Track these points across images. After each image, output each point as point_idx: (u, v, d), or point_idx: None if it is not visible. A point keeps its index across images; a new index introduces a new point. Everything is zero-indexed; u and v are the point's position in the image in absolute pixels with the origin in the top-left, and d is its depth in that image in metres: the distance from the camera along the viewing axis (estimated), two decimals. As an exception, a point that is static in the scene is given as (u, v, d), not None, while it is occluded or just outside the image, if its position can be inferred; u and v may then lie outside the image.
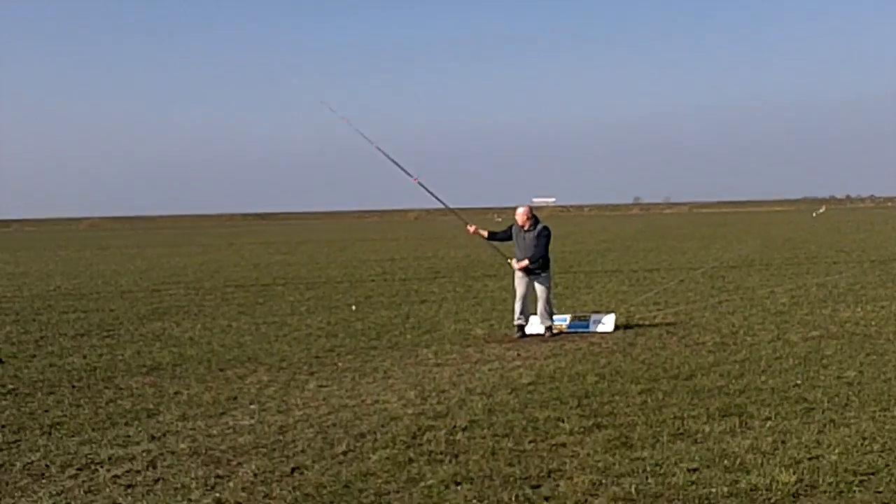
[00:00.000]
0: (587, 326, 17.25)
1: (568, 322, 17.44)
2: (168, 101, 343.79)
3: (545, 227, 17.05)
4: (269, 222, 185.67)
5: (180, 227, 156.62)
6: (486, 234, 17.27)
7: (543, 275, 17.00)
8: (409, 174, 17.30)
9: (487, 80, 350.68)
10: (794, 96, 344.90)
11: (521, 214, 17.08)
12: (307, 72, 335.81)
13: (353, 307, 21.96)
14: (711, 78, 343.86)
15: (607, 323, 17.23)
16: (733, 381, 12.03)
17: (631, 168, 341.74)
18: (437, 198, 17.85)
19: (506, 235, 17.21)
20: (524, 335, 16.75)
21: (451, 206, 18.30)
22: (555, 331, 16.97)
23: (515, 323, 16.89)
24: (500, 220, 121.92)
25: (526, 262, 16.85)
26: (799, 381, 11.89)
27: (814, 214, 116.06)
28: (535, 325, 17.16)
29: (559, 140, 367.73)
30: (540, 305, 16.91)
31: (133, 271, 37.77)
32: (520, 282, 16.99)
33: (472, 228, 17.39)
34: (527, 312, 16.93)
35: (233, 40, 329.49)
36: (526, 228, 16.99)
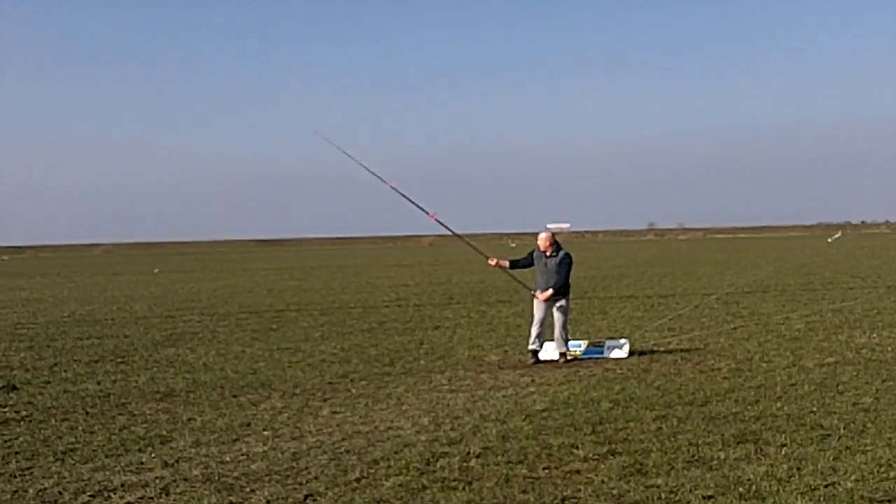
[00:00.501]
0: (602, 352, 17.22)
1: (583, 348, 17.41)
2: (182, 126, 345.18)
3: (567, 255, 17.03)
4: (284, 248, 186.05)
5: (194, 252, 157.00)
6: (507, 263, 17.23)
7: (562, 300, 16.97)
8: (425, 211, 17.36)
9: (498, 102, 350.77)
10: (810, 119, 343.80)
11: (543, 240, 17.04)
12: (320, 95, 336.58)
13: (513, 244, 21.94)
14: (726, 100, 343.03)
15: (622, 349, 17.20)
16: (748, 407, 11.98)
17: (645, 193, 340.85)
18: (454, 233, 17.93)
19: (527, 262, 17.16)
20: (538, 361, 16.71)
21: (470, 242, 18.36)
22: (569, 357, 16.94)
23: (530, 348, 16.86)
24: (514, 245, 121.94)
25: (550, 291, 16.81)
26: (814, 408, 11.83)
27: (829, 240, 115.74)
28: (549, 351, 17.12)
29: (573, 164, 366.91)
30: (556, 331, 16.88)
31: (147, 297, 37.86)
32: (538, 306, 16.97)
33: (493, 262, 17.29)
34: (542, 338, 16.90)
35: (247, 63, 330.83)
36: (548, 255, 16.96)
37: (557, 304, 16.93)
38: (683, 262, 61.16)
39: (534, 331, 16.83)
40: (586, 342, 17.81)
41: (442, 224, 17.49)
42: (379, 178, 17.51)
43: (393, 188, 17.39)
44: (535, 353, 16.81)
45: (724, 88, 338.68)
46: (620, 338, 18.47)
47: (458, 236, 17.79)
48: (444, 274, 51.25)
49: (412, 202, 17.27)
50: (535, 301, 17.01)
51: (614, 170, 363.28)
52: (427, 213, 17.33)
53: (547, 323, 16.96)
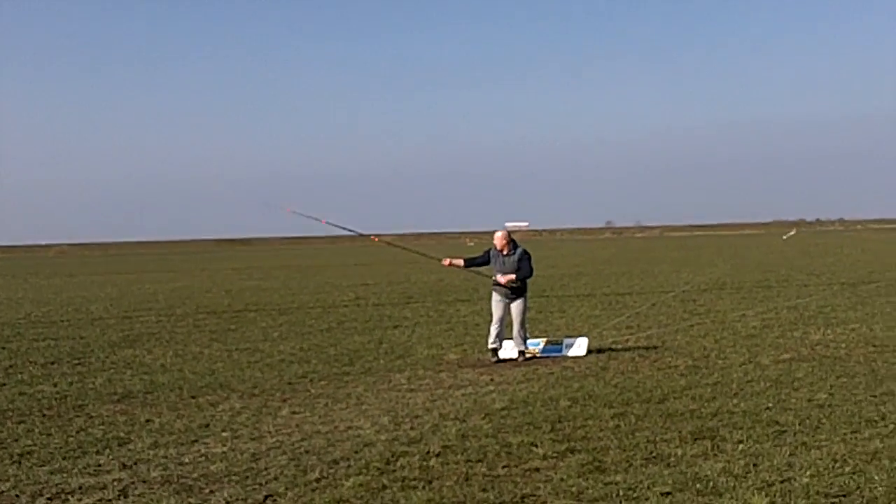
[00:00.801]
0: (560, 350, 17.28)
1: (541, 346, 17.46)
2: (136, 122, 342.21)
3: (525, 251, 17.05)
4: (243, 247, 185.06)
5: (151, 252, 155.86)
6: (461, 262, 17.24)
7: (520, 298, 17.02)
8: (365, 235, 18.19)
9: (454, 100, 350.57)
10: (762, 118, 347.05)
11: (499, 238, 17.05)
12: (282, 89, 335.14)
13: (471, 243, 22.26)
14: (680, 100, 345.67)
15: (580, 347, 17.26)
16: (705, 404, 12.07)
17: (603, 191, 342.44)
18: (405, 248, 18.35)
19: (483, 260, 17.16)
20: (499, 360, 16.75)
21: (414, 249, 18.72)
22: (528, 355, 16.99)
23: (490, 347, 16.89)
24: (472, 244, 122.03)
25: (513, 276, 16.82)
26: (770, 404, 11.95)
27: (783, 237, 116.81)
28: (508, 350, 17.17)
29: (531, 162, 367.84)
30: (515, 329, 16.92)
31: (104, 298, 37.55)
32: (497, 305, 16.99)
33: (446, 262, 17.35)
34: (502, 336, 16.93)
35: (207, 60, 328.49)
36: (505, 253, 16.98)
37: (516, 302, 16.98)
38: (640, 260, 61.51)
39: (493, 329, 16.86)
40: (545, 340, 17.87)
41: (389, 244, 18.27)
42: (313, 217, 18.41)
43: (329, 223, 18.29)
44: (496, 351, 16.84)
45: (680, 87, 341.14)
46: (578, 336, 18.55)
47: (404, 248, 18.29)
48: (403, 273, 51.21)
49: (349, 230, 18.14)
50: (494, 300, 17.04)
51: (572, 168, 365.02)
52: (369, 237, 18.16)
53: (506, 321, 17.00)
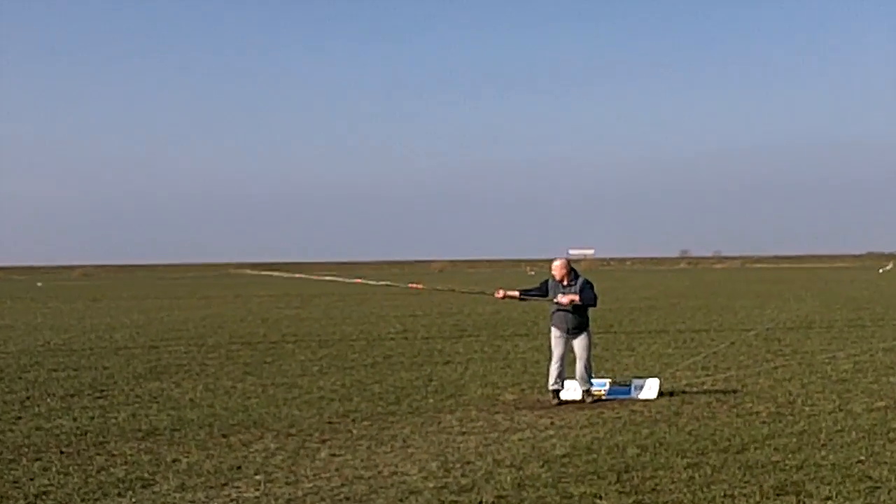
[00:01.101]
0: (628, 393, 17.19)
1: (607, 387, 17.38)
2: (169, 139, 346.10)
3: (587, 281, 17.01)
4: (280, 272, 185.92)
5: (182, 276, 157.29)
6: (517, 293, 17.23)
7: (584, 334, 16.96)
8: (407, 286, 18.29)
9: (514, 111, 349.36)
10: (860, 138, 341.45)
11: (557, 268, 17.00)
12: (313, 108, 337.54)
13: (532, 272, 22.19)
14: (766, 116, 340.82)
15: (650, 389, 17.17)
16: (790, 455, 11.94)
17: (678, 217, 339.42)
18: (453, 290, 18.34)
19: (541, 293, 17.11)
20: (561, 402, 16.69)
21: (467, 290, 18.58)
22: (594, 396, 16.92)
23: (551, 388, 16.84)
24: (532, 273, 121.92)
25: (577, 297, 16.74)
26: (862, 457, 11.80)
27: (880, 271, 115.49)
28: (571, 391, 17.11)
29: (598, 183, 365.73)
30: (579, 367, 16.86)
31: (129, 325, 37.92)
32: (557, 342, 16.95)
33: (500, 294, 17.36)
34: (563, 376, 16.88)
35: (233, 76, 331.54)
36: (565, 284, 16.93)
37: (579, 338, 16.92)
38: (719, 293, 61.06)
39: (553, 369, 16.80)
40: (611, 381, 17.78)
41: (434, 289, 18.17)
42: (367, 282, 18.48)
43: (364, 282, 18.36)
44: (557, 392, 16.78)
45: (765, 102, 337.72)
46: (649, 377, 18.44)
47: (453, 290, 18.24)
48: (456, 304, 51.19)
49: (392, 285, 18.14)
50: (553, 336, 17.00)
51: (644, 190, 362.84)
52: (408, 287, 18.21)
53: (567, 360, 16.95)
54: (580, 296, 16.78)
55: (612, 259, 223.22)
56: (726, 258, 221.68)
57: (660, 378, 18.20)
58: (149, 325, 38.24)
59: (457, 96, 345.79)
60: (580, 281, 16.94)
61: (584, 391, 16.90)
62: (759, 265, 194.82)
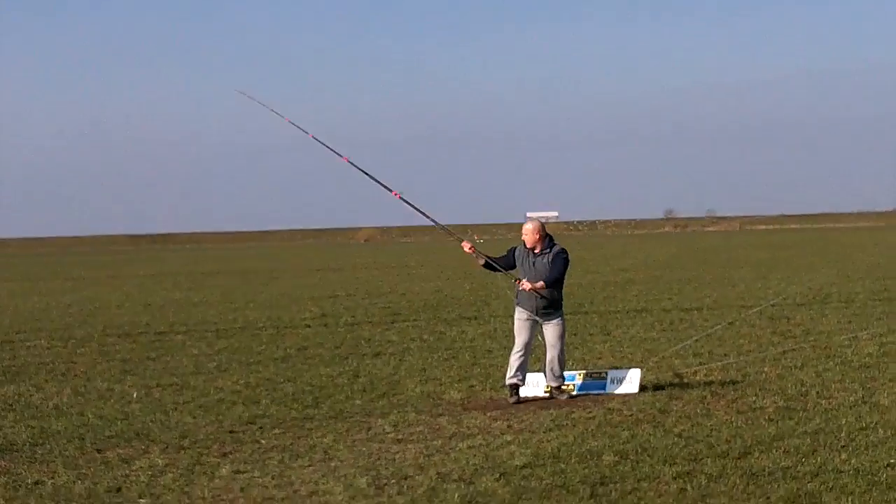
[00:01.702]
0: (603, 387, 17.26)
1: (578, 381, 17.45)
2: (29, 81, 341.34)
3: (563, 250, 16.96)
4: (166, 246, 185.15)
5: (43, 253, 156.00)
6: (482, 257, 17.09)
7: (557, 317, 16.95)
8: (387, 188, 17.49)
9: (459, 49, 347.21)
10: (888, 64, 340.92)
11: (529, 232, 16.91)
12: (214, 51, 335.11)
13: (480, 240, 21.96)
14: (770, 40, 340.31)
15: (630, 382, 17.25)
16: (803, 460, 12.07)
17: (660, 169, 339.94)
18: (425, 214, 18.00)
19: (508, 262, 17.02)
20: (519, 400, 16.73)
21: (440, 222, 18.32)
22: (566, 393, 16.95)
23: (508, 382, 16.86)
24: (480, 241, 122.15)
25: (542, 283, 16.71)
26: (892, 460, 11.94)
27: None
28: (533, 386, 17.16)
29: (561, 130, 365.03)
30: (549, 358, 16.87)
31: (-24, 315, 37.55)
32: (522, 326, 16.91)
33: (467, 246, 17.22)
34: (525, 368, 16.91)
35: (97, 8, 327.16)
36: (537, 251, 16.89)
37: (551, 323, 16.91)
38: (713, 263, 61.50)
39: (515, 358, 16.81)
40: (582, 373, 17.86)
41: (409, 203, 17.71)
42: (332, 150, 17.90)
43: (350, 163, 17.67)
44: (516, 388, 16.81)
45: (768, 22, 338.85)
46: (628, 367, 18.53)
47: (429, 217, 17.88)
48: (388, 281, 51.21)
49: (373, 178, 17.58)
50: (517, 318, 16.96)
51: (618, 137, 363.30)
52: (390, 191, 17.53)
53: (531, 347, 16.98)
54: (547, 279, 16.71)
55: (580, 223, 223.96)
56: (721, 219, 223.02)
57: (642, 368, 18.29)
58: (0, 314, 37.88)
59: (364, 24, 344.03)
60: (555, 248, 16.87)
61: (553, 388, 16.94)
62: (761, 227, 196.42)
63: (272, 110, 18.81)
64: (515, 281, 16.83)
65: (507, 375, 16.92)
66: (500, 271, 17.22)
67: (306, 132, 18.18)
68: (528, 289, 16.63)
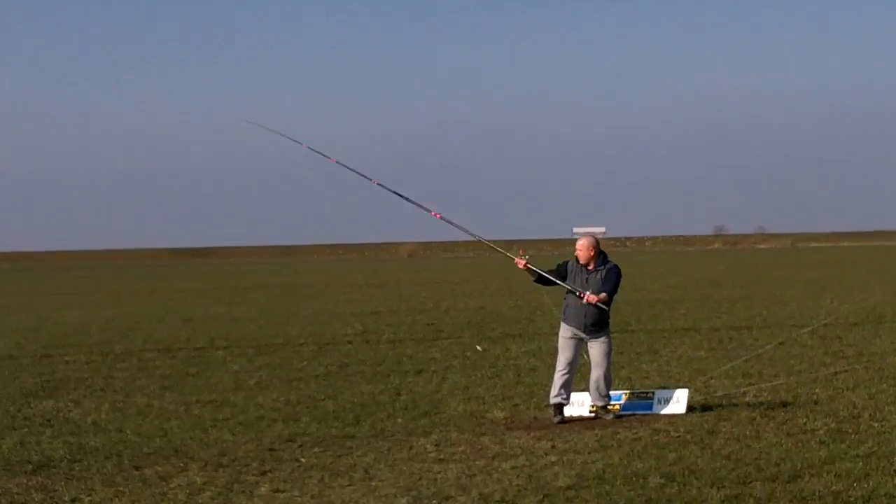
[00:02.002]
0: (650, 407, 17.21)
1: (623, 401, 17.41)
2: (70, 97, 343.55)
3: (616, 266, 16.92)
4: (207, 260, 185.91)
5: (83, 266, 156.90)
6: (537, 270, 17.02)
7: (604, 335, 16.89)
8: (426, 209, 17.50)
9: (493, 49, 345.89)
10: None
11: (584, 248, 16.80)
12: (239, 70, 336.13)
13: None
14: (824, 54, 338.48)
15: (678, 402, 17.19)
16: (854, 484, 11.99)
17: (710, 185, 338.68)
18: (467, 231, 17.97)
19: (561, 277, 16.99)
20: (564, 419, 16.70)
21: (484, 239, 18.31)
22: (612, 412, 16.90)
23: (552, 401, 16.84)
24: (526, 257, 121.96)
25: (605, 294, 16.66)
26: (947, 485, 11.86)
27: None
28: (578, 406, 17.13)
29: (606, 146, 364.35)
30: (594, 377, 16.80)
31: (14, 329, 37.77)
32: (567, 343, 16.86)
33: (521, 263, 17.12)
34: (570, 387, 16.88)
35: (139, 30, 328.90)
36: (591, 268, 16.86)
37: (598, 340, 16.86)
38: (763, 280, 61.28)
39: (558, 377, 16.78)
40: (628, 393, 17.81)
41: (450, 223, 17.67)
42: (362, 175, 17.90)
43: (381, 185, 17.69)
44: (560, 407, 16.78)
45: (824, 36, 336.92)
46: (676, 387, 18.48)
47: (471, 233, 17.81)
48: (430, 297, 51.21)
49: (408, 199, 17.55)
50: (562, 335, 16.90)
51: (668, 152, 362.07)
52: (428, 212, 17.53)
53: (577, 366, 16.95)
54: (607, 290, 16.68)
55: (628, 239, 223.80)
56: (772, 235, 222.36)
57: (689, 388, 18.23)
58: (39, 328, 38.10)
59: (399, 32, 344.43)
60: (609, 265, 16.85)
61: (599, 407, 16.88)
62: (813, 244, 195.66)
63: (290, 138, 18.85)
64: (579, 294, 16.70)
65: (551, 394, 16.87)
66: (555, 284, 17.12)
67: (328, 157, 18.22)
68: (593, 301, 16.56)
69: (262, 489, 12.63)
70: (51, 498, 12.49)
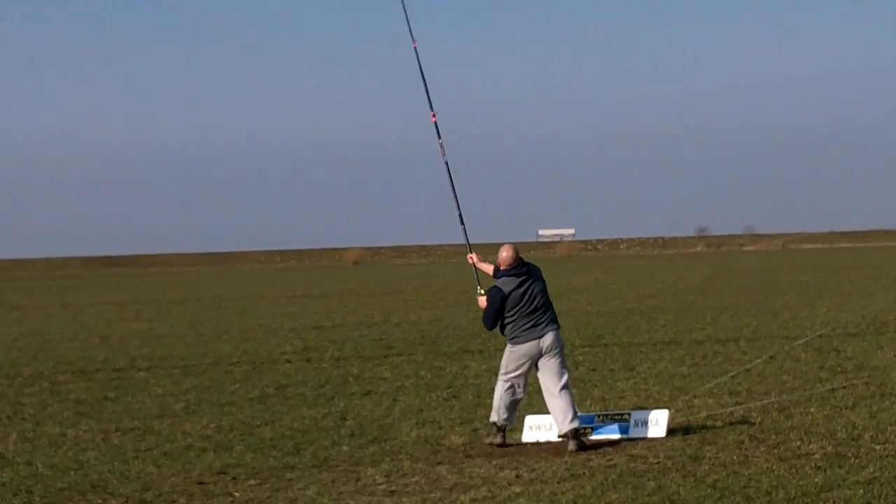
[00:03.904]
0: (626, 430, 17.28)
1: (596, 423, 17.47)
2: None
3: (537, 268, 17.12)
4: (125, 269, 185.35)
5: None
6: (490, 269, 17.26)
7: (560, 343, 17.00)
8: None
9: (465, 59, 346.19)
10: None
11: (505, 258, 17.02)
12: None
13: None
14: (819, 37, 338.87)
15: (657, 425, 17.27)
16: (855, 514, 12.08)
17: (692, 181, 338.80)
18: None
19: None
20: (505, 443, 16.75)
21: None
22: (586, 438, 16.93)
23: (493, 420, 16.89)
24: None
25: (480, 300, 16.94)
26: (957, 514, 11.97)
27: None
28: (542, 430, 17.20)
29: (576, 140, 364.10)
30: (553, 393, 16.82)
31: None
32: (514, 353, 16.90)
33: (473, 258, 17.49)
34: (516, 406, 16.95)
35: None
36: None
37: (552, 350, 16.92)
38: (752, 287, 61.51)
39: (502, 392, 16.85)
40: (601, 414, 17.88)
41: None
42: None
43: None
44: (503, 430, 16.84)
45: (810, 22, 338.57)
46: (655, 407, 18.56)
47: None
48: (379, 309, 51.22)
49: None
50: (520, 348, 16.95)
51: (642, 146, 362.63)
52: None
53: (527, 380, 17.03)
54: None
55: (599, 241, 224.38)
56: (761, 237, 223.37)
57: (670, 409, 18.32)
58: (-63, 348, 37.89)
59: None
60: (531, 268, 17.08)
61: (568, 430, 16.84)
62: (807, 246, 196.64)
63: None
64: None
65: (493, 412, 16.95)
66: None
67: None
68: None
69: (192, 528, 12.64)
70: (-48, 541, 12.46)
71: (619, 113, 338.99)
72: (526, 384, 17.12)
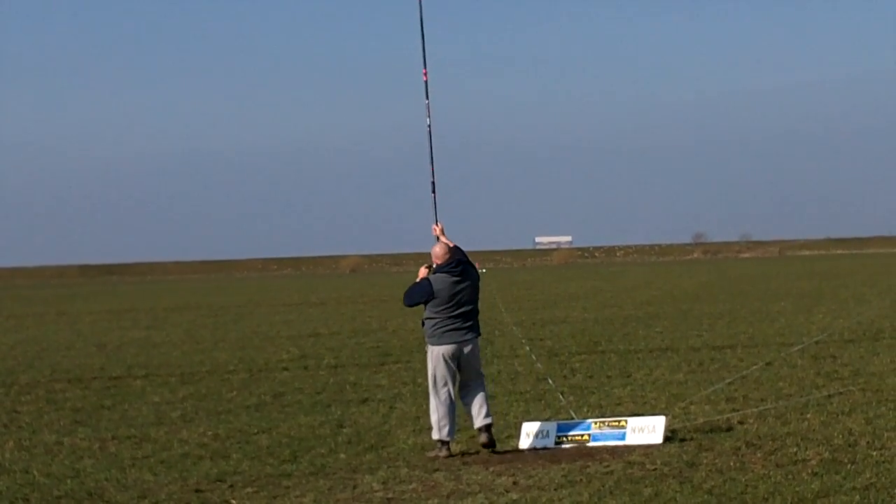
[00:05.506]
0: (622, 437, 17.27)
1: (593, 430, 17.46)
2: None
3: (476, 272, 17.29)
4: (122, 278, 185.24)
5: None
6: (425, 273, 17.39)
7: (477, 350, 17.25)
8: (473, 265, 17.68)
9: (462, 67, 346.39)
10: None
11: (438, 253, 17.18)
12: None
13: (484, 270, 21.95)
14: (816, 43, 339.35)
15: (654, 431, 17.25)
16: (851, 520, 12.08)
17: (688, 189, 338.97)
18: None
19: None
20: (451, 453, 16.82)
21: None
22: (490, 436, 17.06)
23: (436, 437, 16.95)
24: (483, 271, 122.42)
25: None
26: (953, 520, 11.96)
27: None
28: (532, 436, 17.27)
29: (572, 149, 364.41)
30: (470, 389, 17.05)
31: None
32: (439, 360, 17.02)
33: (424, 270, 17.49)
34: (453, 416, 16.98)
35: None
36: None
37: (472, 356, 17.11)
38: (748, 294, 61.51)
39: (440, 406, 16.92)
40: (598, 421, 17.87)
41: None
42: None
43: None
44: (447, 444, 16.92)
45: (808, 27, 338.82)
46: (651, 414, 18.55)
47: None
48: (376, 316, 51.19)
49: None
50: (435, 353, 17.05)
51: (639, 153, 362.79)
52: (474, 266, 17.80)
53: (457, 385, 17.12)
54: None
55: (597, 249, 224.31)
56: (757, 244, 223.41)
57: (667, 415, 18.31)
58: (-66, 357, 37.85)
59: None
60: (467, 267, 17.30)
61: (485, 426, 16.92)
62: (803, 252, 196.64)
63: None
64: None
65: (436, 425, 16.95)
66: None
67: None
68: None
69: (188, 535, 12.64)
70: (-52, 549, 12.45)
71: (616, 121, 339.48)
72: (456, 390, 17.19)
